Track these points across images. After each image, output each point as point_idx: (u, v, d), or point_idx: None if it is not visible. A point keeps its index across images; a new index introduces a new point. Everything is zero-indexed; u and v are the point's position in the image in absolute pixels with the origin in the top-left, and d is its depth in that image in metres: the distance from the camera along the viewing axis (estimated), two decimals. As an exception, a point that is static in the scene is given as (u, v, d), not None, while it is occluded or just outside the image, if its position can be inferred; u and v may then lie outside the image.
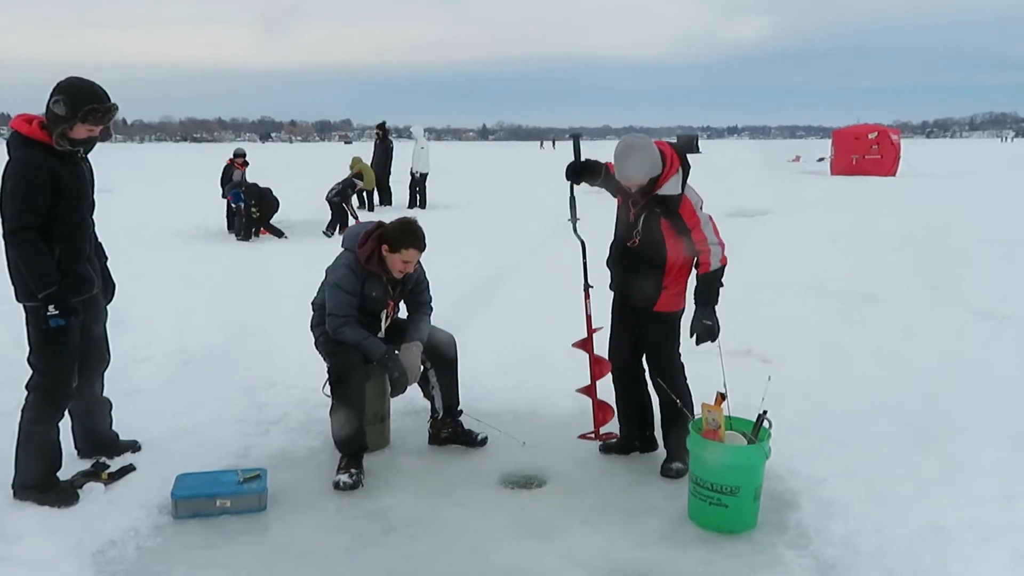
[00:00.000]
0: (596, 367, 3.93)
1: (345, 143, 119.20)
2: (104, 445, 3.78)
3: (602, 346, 3.91)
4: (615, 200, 3.78)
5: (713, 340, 3.56)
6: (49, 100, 3.11)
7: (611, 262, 3.80)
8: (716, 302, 3.58)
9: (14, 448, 3.33)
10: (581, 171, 3.67)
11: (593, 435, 4.02)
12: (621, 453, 3.92)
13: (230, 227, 12.60)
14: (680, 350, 3.71)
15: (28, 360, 3.32)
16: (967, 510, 3.17)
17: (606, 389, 3.93)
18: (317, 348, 3.95)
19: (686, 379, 3.73)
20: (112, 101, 3.19)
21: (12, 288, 3.24)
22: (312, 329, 3.98)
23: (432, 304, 4.08)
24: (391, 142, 16.74)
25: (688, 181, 3.52)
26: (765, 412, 3.27)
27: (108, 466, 3.61)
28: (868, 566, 2.87)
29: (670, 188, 3.46)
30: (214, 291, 7.78)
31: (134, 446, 3.86)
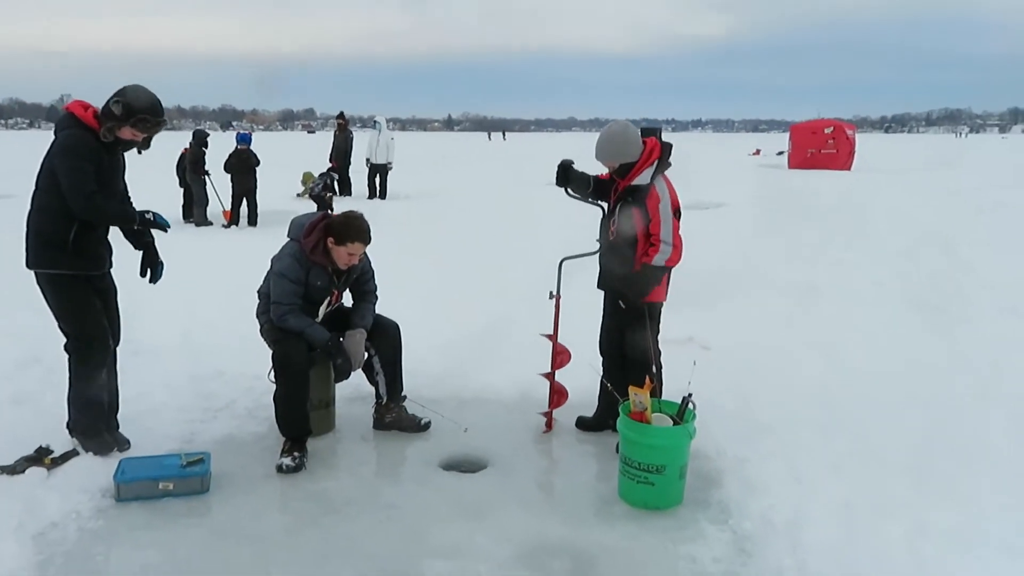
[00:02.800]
0: (557, 357, 4.20)
1: (308, 132, 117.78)
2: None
3: (574, 339, 4.14)
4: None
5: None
6: (110, 99, 3.44)
7: (600, 257, 4.00)
8: (644, 294, 3.75)
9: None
10: (570, 180, 3.92)
11: (546, 415, 4.24)
12: (594, 430, 4.17)
13: (186, 216, 12.50)
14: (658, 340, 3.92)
15: (59, 328, 3.61)
16: (876, 488, 3.37)
17: (565, 378, 4.18)
18: (262, 335, 4.02)
19: (653, 367, 3.87)
20: (163, 117, 3.55)
21: (24, 255, 3.53)
22: (257, 317, 4.05)
23: (377, 293, 4.18)
24: (351, 132, 16.69)
25: (666, 175, 3.73)
26: (690, 395, 3.44)
27: (51, 451, 3.65)
28: (780, 538, 3.05)
29: (641, 179, 3.70)
30: (165, 280, 7.72)
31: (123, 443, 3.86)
